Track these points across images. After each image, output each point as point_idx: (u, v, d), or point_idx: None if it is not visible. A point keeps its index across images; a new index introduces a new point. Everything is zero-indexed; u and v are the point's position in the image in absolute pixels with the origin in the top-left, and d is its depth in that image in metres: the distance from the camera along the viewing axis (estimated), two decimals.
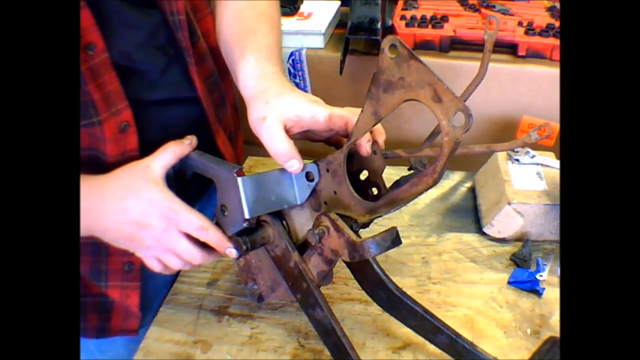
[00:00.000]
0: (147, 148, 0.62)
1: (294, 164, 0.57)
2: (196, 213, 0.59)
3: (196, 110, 0.73)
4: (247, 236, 0.60)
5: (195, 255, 0.60)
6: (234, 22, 0.72)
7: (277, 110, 0.58)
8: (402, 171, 0.61)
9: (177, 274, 0.79)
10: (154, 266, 0.62)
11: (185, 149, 0.62)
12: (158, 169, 0.59)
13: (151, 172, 0.59)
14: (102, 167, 0.62)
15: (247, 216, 0.58)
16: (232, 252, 0.60)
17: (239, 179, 0.57)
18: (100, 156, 0.62)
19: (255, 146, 1.22)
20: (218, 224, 0.61)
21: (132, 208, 0.57)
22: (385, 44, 0.47)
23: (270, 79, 0.62)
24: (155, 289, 0.77)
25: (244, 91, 0.64)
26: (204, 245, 0.60)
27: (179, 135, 0.63)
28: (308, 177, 0.59)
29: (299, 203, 0.60)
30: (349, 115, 0.57)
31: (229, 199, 0.59)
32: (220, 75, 0.80)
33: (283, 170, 0.59)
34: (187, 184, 0.63)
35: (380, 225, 0.60)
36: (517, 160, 0.86)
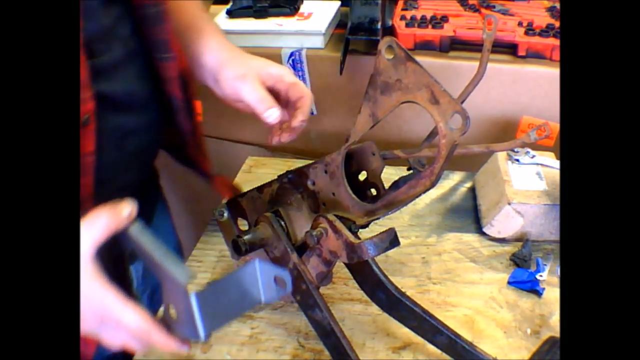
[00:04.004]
0: (100, 155, 0.56)
1: (274, 112, 0.64)
2: (134, 312, 0.47)
3: (155, 114, 0.69)
4: (246, 237, 0.61)
5: (146, 345, 0.50)
6: (177, 14, 0.70)
7: (254, 69, 0.67)
8: (401, 171, 0.61)
9: None
10: None
11: (121, 222, 0.48)
12: (86, 249, 0.46)
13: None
14: None
15: (201, 336, 0.48)
16: (184, 349, 0.50)
17: (192, 296, 0.46)
18: None
19: (255, 146, 1.22)
20: (164, 319, 0.50)
21: None
22: (382, 45, 0.47)
23: (235, 50, 0.71)
24: None
25: (212, 61, 0.69)
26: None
27: (134, 143, 0.63)
28: (276, 281, 0.51)
29: (263, 301, 0.51)
30: (307, 92, 0.67)
31: (178, 307, 0.48)
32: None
33: (244, 268, 0.50)
34: (125, 264, 0.54)
35: (380, 225, 0.60)
36: (517, 160, 0.86)
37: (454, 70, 1.06)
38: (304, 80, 1.19)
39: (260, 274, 0.50)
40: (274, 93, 0.67)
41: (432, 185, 0.49)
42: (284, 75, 0.67)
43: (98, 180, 0.54)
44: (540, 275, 0.74)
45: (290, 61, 1.18)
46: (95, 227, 0.47)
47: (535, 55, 1.07)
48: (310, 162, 0.61)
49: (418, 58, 0.48)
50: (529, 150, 0.87)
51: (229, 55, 0.69)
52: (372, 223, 0.60)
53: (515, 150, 0.87)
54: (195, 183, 1.36)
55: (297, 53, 1.16)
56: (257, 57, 0.70)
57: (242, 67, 0.67)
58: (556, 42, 1.04)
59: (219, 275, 0.78)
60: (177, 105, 0.70)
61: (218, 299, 0.48)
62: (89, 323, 0.48)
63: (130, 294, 0.48)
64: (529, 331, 0.68)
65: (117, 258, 0.51)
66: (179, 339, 0.49)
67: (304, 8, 1.27)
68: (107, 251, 0.47)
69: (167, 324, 0.49)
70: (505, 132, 1.07)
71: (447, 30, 1.10)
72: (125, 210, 0.49)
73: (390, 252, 0.68)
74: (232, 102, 0.69)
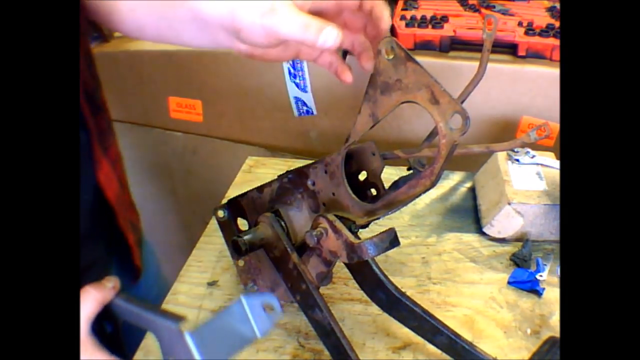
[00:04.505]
0: None
1: (330, 32, 0.47)
2: None
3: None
4: (246, 237, 0.61)
5: None
6: None
7: None
8: (401, 171, 0.61)
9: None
10: None
11: (108, 294, 0.51)
12: (82, 325, 0.48)
13: None
14: None
15: None
16: None
17: (187, 335, 0.47)
18: None
19: (255, 146, 1.22)
20: None
21: None
22: (382, 45, 0.47)
23: None
24: None
25: (220, 13, 0.51)
26: None
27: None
28: (265, 309, 0.52)
29: (259, 336, 0.51)
30: None
31: (178, 354, 0.49)
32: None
33: (232, 306, 0.51)
34: (118, 333, 0.55)
35: (380, 225, 0.60)
36: (517, 160, 0.86)
37: (454, 70, 1.06)
38: (303, 80, 1.19)
39: (250, 309, 0.50)
40: (321, 13, 0.51)
41: (432, 185, 0.49)
42: None
43: None
44: (540, 275, 0.74)
45: (290, 61, 1.18)
46: (85, 303, 0.49)
47: (535, 55, 1.07)
48: (310, 162, 0.61)
49: (418, 58, 0.48)
50: (529, 150, 0.87)
51: None
52: (372, 223, 0.60)
53: (515, 150, 0.87)
54: (194, 183, 1.36)
55: None
56: None
57: (264, 2, 0.49)
58: (556, 42, 1.04)
59: (219, 275, 0.78)
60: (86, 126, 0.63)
61: (213, 336, 0.49)
62: None
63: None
64: (529, 331, 0.68)
65: (112, 331, 0.54)
66: None
67: None
68: (99, 324, 0.50)
69: None
70: (505, 132, 1.07)
71: (447, 30, 1.10)
72: (109, 282, 0.51)
73: (390, 252, 0.68)
74: (269, 52, 0.54)
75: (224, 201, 0.71)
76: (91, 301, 0.49)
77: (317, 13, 0.50)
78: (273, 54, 0.55)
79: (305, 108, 1.16)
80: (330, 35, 0.47)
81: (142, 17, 0.57)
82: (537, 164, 0.86)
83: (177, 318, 0.48)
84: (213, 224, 0.83)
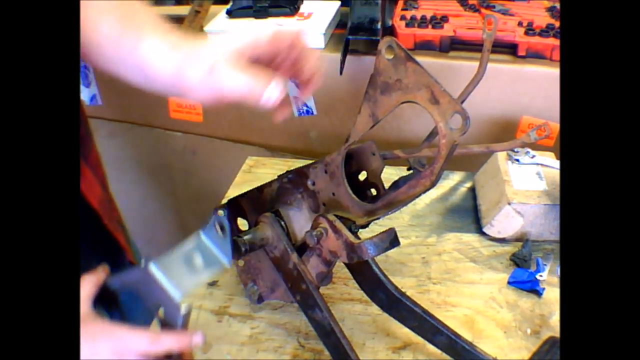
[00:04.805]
0: None
1: (272, 90, 0.49)
2: (139, 330, 0.52)
3: None
4: (246, 237, 0.61)
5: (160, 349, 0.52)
6: (110, 14, 0.54)
7: (218, 54, 0.50)
8: (401, 171, 0.61)
9: None
10: None
11: (101, 276, 0.57)
12: (85, 302, 0.53)
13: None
14: None
15: (178, 299, 0.52)
16: (198, 339, 0.53)
17: (151, 265, 0.53)
18: None
19: (255, 146, 1.22)
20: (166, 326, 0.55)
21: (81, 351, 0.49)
22: (382, 45, 0.47)
23: (187, 43, 0.52)
24: None
25: (166, 71, 0.52)
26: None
27: None
28: (220, 229, 0.57)
29: (228, 265, 0.57)
30: (295, 32, 0.53)
31: (156, 294, 0.53)
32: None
33: (193, 239, 0.56)
34: (119, 306, 0.59)
35: (380, 225, 0.60)
36: (517, 160, 0.86)
37: (454, 70, 1.06)
38: None
39: (210, 241, 0.56)
40: (258, 60, 0.53)
41: (432, 185, 0.49)
42: (258, 38, 0.52)
43: None
44: (540, 275, 0.74)
45: None
46: (84, 286, 0.55)
47: (535, 55, 1.07)
48: (310, 162, 0.61)
49: (418, 58, 0.49)
50: (529, 150, 0.87)
51: (180, 59, 0.51)
52: (372, 223, 0.60)
53: (515, 150, 0.87)
54: (194, 183, 1.36)
55: None
56: (214, 40, 0.52)
57: (205, 62, 0.50)
58: (556, 42, 1.04)
59: (219, 275, 0.78)
60: None
61: (178, 266, 0.55)
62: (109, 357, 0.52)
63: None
64: (529, 331, 0.68)
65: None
66: (184, 333, 0.53)
67: (304, 8, 1.27)
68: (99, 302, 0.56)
69: (168, 328, 0.54)
70: (505, 132, 1.07)
71: (447, 30, 1.10)
72: (100, 268, 0.57)
73: (390, 252, 0.68)
74: (216, 103, 0.55)
75: (224, 201, 0.71)
76: (88, 284, 0.55)
77: (255, 59, 0.52)
78: (229, 102, 0.54)
79: (305, 108, 1.16)
80: (273, 92, 0.49)
81: (97, 58, 0.58)
82: (537, 164, 0.86)
83: (143, 261, 0.54)
84: None
